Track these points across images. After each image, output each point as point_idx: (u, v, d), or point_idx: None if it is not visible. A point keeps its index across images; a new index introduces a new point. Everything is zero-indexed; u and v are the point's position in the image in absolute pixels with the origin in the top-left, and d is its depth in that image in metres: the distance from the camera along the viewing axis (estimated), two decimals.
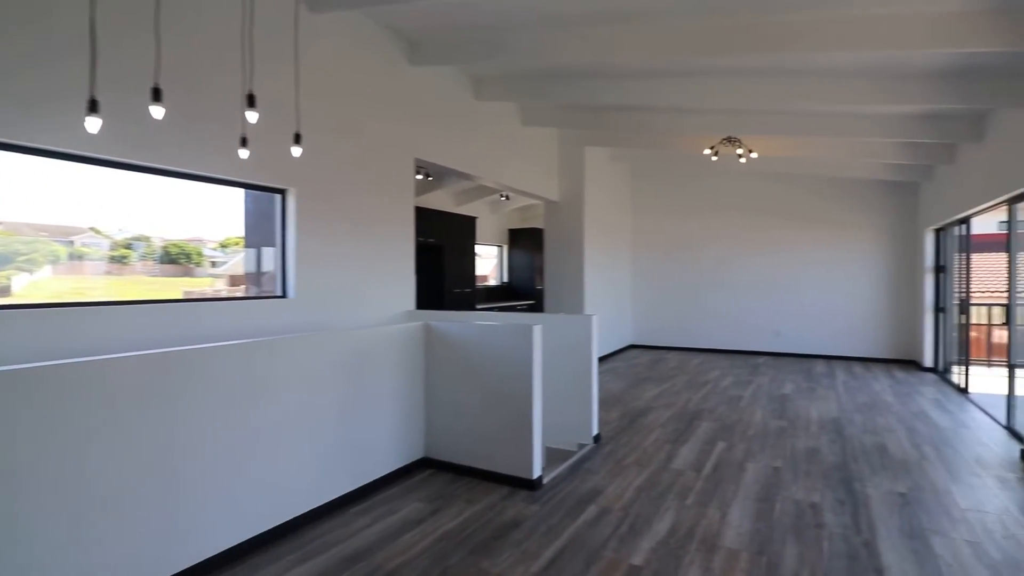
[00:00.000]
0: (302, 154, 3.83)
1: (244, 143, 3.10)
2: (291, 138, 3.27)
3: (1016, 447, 4.26)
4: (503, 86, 5.97)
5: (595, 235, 8.54)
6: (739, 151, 6.58)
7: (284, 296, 4.04)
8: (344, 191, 4.45)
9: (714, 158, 6.89)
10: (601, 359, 8.68)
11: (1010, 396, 4.76)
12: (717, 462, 3.95)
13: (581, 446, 4.35)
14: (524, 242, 10.94)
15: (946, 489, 3.44)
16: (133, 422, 2.25)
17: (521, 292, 10.99)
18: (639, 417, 5.19)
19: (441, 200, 9.07)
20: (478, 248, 10.91)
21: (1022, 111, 4.18)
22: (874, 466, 3.85)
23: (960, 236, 6.36)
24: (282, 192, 4.04)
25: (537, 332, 3.47)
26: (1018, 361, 4.79)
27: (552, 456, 4.37)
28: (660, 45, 4.13)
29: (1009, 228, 4.77)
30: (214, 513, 2.55)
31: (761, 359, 8.81)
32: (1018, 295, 4.78)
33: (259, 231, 4.35)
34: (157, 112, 2.38)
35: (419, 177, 7.55)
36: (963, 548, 2.70)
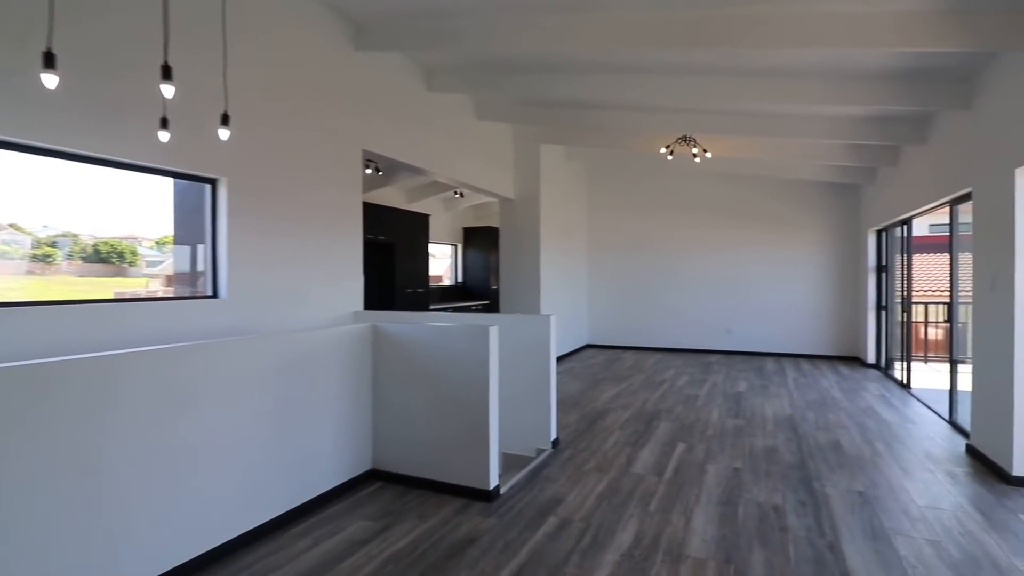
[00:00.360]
0: (236, 142, 3.51)
1: (164, 124, 2.76)
2: (219, 121, 2.94)
3: (960, 441, 4.36)
4: (456, 77, 5.74)
5: (551, 234, 8.42)
6: (694, 150, 6.58)
7: (215, 296, 3.68)
8: (284, 183, 4.11)
9: (669, 157, 6.87)
10: (558, 360, 8.55)
11: (952, 392, 4.90)
12: (678, 464, 3.85)
13: (540, 451, 4.17)
14: (479, 241, 10.72)
15: (901, 486, 3.45)
16: (14, 442, 1.91)
17: (476, 292, 10.76)
18: (598, 419, 5.07)
19: (392, 196, 8.74)
20: (432, 247, 10.62)
21: (965, 114, 4.28)
22: (831, 464, 3.84)
23: (902, 236, 6.56)
24: (212, 182, 3.68)
25: (493, 333, 3.26)
26: (959, 357, 4.93)
27: (510, 463, 4.18)
28: (616, 36, 4.00)
29: (951, 228, 4.90)
30: (127, 543, 2.21)
31: (714, 357, 8.91)
32: (959, 294, 4.92)
33: (191, 226, 3.96)
34: (50, 81, 2.04)
35: (368, 172, 7.22)
36: (924, 548, 2.67)
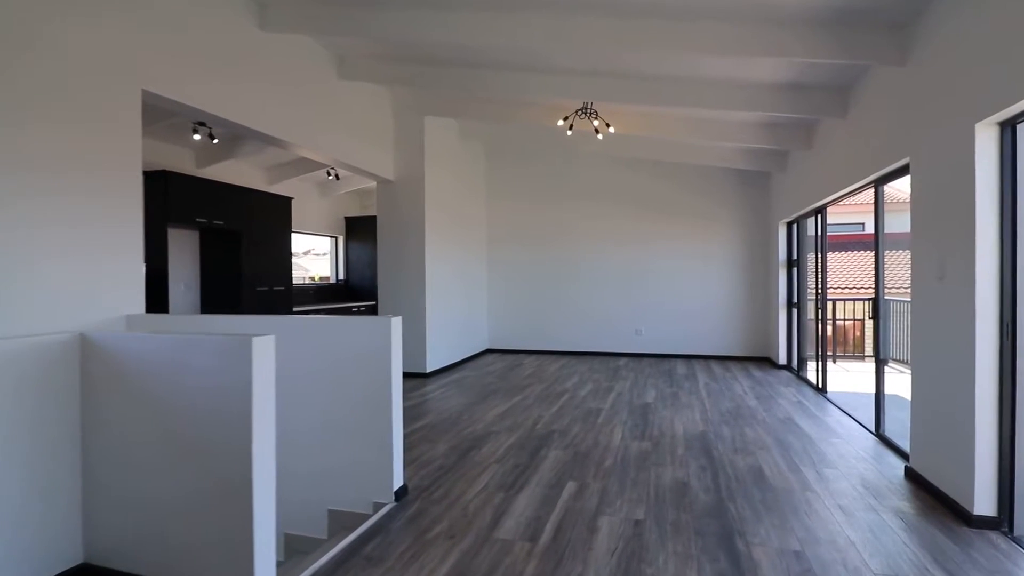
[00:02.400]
0: None
1: None
2: None
3: (895, 462, 3.67)
4: (295, 9, 4.45)
5: (442, 223, 7.27)
6: (595, 122, 5.67)
7: None
8: None
9: (569, 132, 5.93)
10: (450, 367, 7.42)
11: (878, 400, 4.25)
12: (562, 518, 2.82)
13: (377, 506, 3.01)
14: (365, 233, 9.34)
15: (846, 538, 2.60)
16: None
17: (361, 291, 9.40)
18: (472, 449, 3.97)
19: (246, 174, 7.23)
20: (305, 239, 9.16)
21: (899, 73, 3.59)
22: (755, 506, 2.97)
23: (816, 228, 6.01)
24: None
25: (262, 347, 2.06)
26: (886, 357, 4.30)
27: (337, 522, 3.01)
28: None
29: (876, 211, 4.26)
30: None
31: (622, 360, 8.13)
32: (885, 289, 4.29)
33: None
34: None
35: (197, 137, 5.72)
36: None
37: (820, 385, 5.92)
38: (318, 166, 7.29)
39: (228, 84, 4.26)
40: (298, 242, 9.65)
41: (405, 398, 5.65)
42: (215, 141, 5.90)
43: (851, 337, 8.72)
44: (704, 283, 8.34)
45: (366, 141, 6.27)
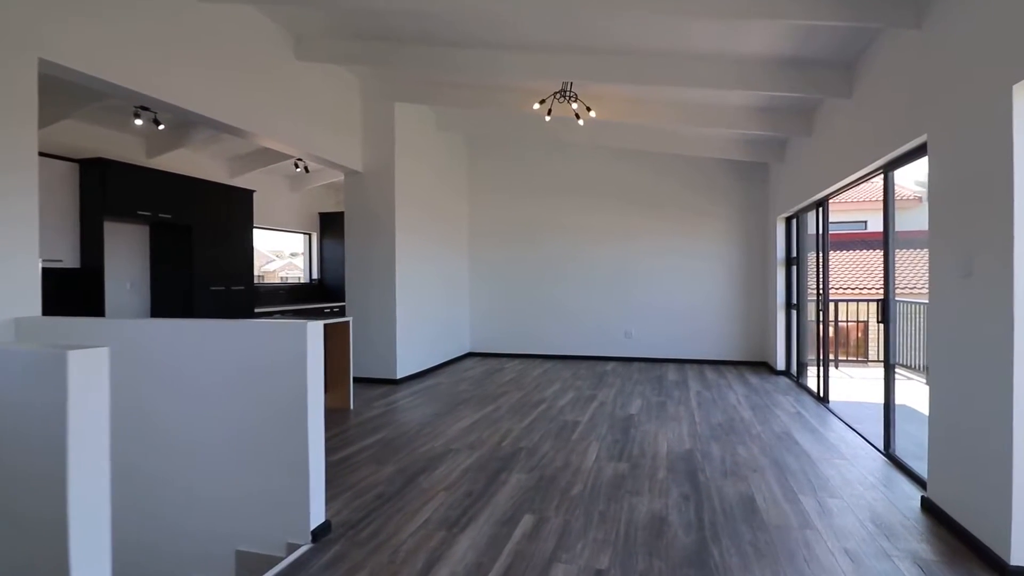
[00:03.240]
0: None
1: None
2: None
3: (908, 488, 3.17)
4: None
5: (416, 218, 6.78)
6: (574, 105, 5.17)
7: None
8: None
9: (547, 117, 5.43)
10: (425, 373, 6.92)
11: (888, 413, 3.75)
12: (507, 569, 2.31)
13: (291, 548, 2.51)
14: (340, 230, 8.77)
15: None
16: None
17: (337, 291, 8.89)
18: (423, 472, 3.47)
19: (204, 166, 6.74)
20: (274, 236, 8.67)
21: (913, 39, 3.09)
22: (743, 549, 2.47)
23: (817, 223, 5.50)
24: None
25: (84, 364, 1.55)
26: (894, 364, 3.80)
27: (245, 566, 2.52)
28: None
29: (886, 200, 3.75)
30: None
31: (610, 365, 7.63)
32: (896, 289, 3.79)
33: None
34: None
35: (139, 122, 5.22)
36: None
37: (821, 393, 5.42)
38: (283, 157, 6.79)
39: (160, 61, 3.78)
40: (273, 240, 9.18)
41: (367, 408, 5.17)
42: (160, 127, 5.40)
43: (852, 340, 8.22)
44: (698, 283, 7.84)
45: (331, 129, 5.78)
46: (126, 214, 5.30)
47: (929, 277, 2.92)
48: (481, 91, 5.96)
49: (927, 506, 2.88)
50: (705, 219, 7.78)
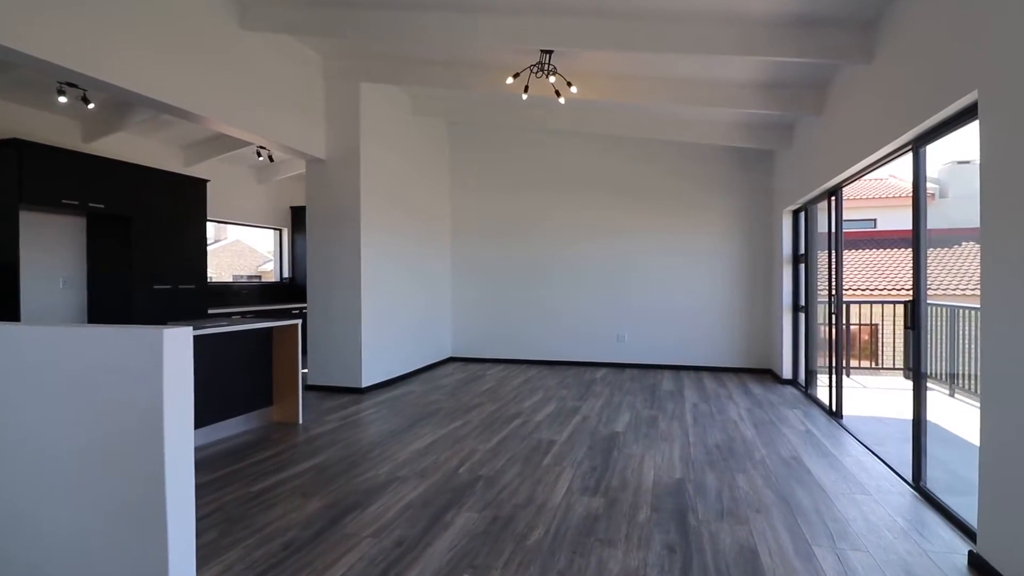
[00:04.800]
0: None
1: None
2: None
3: (944, 531, 2.54)
4: None
5: (389, 212, 6.19)
6: (552, 79, 4.56)
7: None
8: None
9: (524, 95, 4.82)
10: (395, 380, 6.31)
11: (918, 439, 3.12)
12: None
13: None
14: None
15: None
16: None
17: None
18: (353, 509, 2.85)
19: (153, 152, 6.15)
20: (241, 231, 8.04)
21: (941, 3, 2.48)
22: None
23: (829, 215, 4.87)
24: None
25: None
26: (926, 375, 3.17)
27: None
28: None
29: (916, 181, 3.13)
30: None
31: (600, 372, 7.02)
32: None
33: None
34: None
35: (63, 100, 4.63)
36: None
37: (833, 407, 4.78)
38: (240, 143, 6.20)
39: (80, 28, 3.19)
40: (246, 235, 8.61)
41: (319, 422, 4.56)
42: (90, 106, 4.80)
43: (860, 343, 7.57)
44: (696, 282, 7.21)
45: (290, 112, 5.19)
46: (48, 203, 4.71)
47: (981, 273, 2.30)
48: (455, 68, 5.36)
49: (975, 563, 2.26)
50: (704, 213, 7.15)
